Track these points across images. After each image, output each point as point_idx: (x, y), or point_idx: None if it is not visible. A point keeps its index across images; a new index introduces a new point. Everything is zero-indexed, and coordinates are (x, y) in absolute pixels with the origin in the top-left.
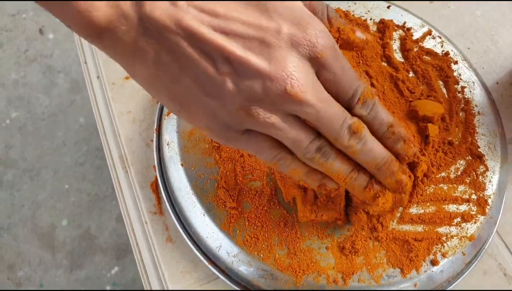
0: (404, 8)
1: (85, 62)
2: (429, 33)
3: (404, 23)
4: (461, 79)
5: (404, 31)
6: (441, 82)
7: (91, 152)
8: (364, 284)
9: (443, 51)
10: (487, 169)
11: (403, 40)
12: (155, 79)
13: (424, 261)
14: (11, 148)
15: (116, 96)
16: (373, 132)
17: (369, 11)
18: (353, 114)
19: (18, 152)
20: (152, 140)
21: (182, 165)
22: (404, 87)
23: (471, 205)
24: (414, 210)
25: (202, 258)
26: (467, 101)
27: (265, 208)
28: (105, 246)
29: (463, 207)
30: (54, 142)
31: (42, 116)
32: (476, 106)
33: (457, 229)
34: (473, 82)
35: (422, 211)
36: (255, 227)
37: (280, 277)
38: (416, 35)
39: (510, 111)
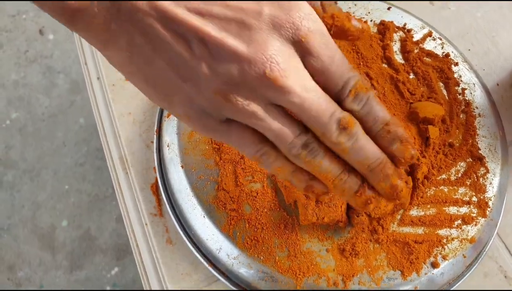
0: (404, 10)
1: (85, 64)
2: (429, 34)
3: (405, 24)
4: (461, 81)
5: (404, 32)
6: (441, 84)
7: (91, 152)
8: (365, 287)
9: (443, 52)
10: (487, 171)
11: (403, 41)
12: (129, 63)
13: (424, 263)
14: (11, 149)
15: (117, 98)
16: (367, 131)
17: (369, 12)
18: (344, 108)
19: (18, 152)
20: (152, 142)
21: (182, 166)
22: (405, 89)
23: (471, 207)
24: (414, 212)
25: (202, 260)
26: (468, 103)
27: (266, 210)
28: (105, 246)
29: (464, 209)
30: (54, 143)
31: (42, 117)
32: (477, 108)
33: (457, 231)
34: (474, 84)
35: (422, 213)
36: (255, 229)
37: (280, 279)
38: (417, 37)
39: (511, 113)
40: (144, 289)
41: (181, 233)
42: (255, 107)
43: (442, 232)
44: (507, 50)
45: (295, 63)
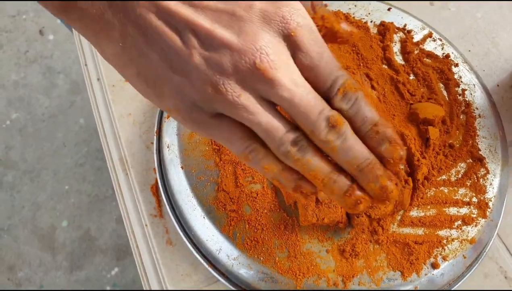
0: (404, 11)
1: (86, 64)
2: (429, 35)
3: (405, 25)
4: (461, 81)
5: (404, 33)
6: (441, 85)
7: (91, 153)
8: (365, 287)
9: (443, 53)
10: (487, 172)
11: (403, 42)
12: (122, 54)
13: (424, 264)
14: (11, 149)
15: (117, 99)
16: (355, 131)
17: (369, 13)
18: (332, 107)
19: (18, 153)
20: (152, 143)
21: (182, 167)
22: (405, 89)
23: (472, 208)
24: (414, 213)
25: (202, 261)
26: (468, 104)
27: (265, 211)
28: (105, 247)
29: (464, 210)
30: (54, 144)
31: (42, 117)
32: (477, 109)
33: (457, 232)
34: (474, 85)
35: (422, 214)
36: (255, 230)
37: (280, 280)
38: (417, 38)
39: (511, 114)
40: (144, 289)
41: (181, 234)
42: (246, 100)
43: (442, 232)
44: (507, 51)
45: (285, 58)
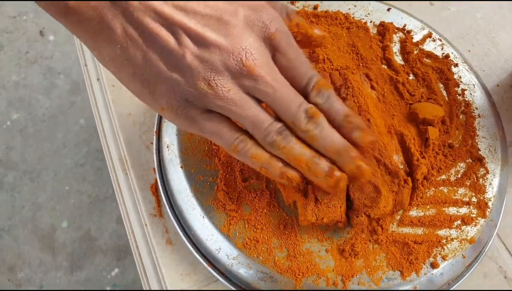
0: (404, 11)
1: (85, 65)
2: (429, 35)
3: (404, 25)
4: (461, 82)
5: (404, 33)
6: (441, 85)
7: (91, 153)
8: (364, 287)
9: (443, 53)
10: (487, 172)
11: (403, 42)
12: (120, 55)
13: (424, 263)
14: (11, 150)
15: (116, 99)
16: (330, 122)
17: (369, 13)
18: (309, 102)
19: (19, 153)
20: (152, 143)
21: (181, 167)
22: (404, 90)
23: (471, 207)
24: (414, 212)
25: (201, 261)
26: (468, 104)
27: (265, 211)
28: (105, 247)
29: (463, 210)
30: (54, 144)
31: (42, 118)
32: (477, 109)
33: (457, 231)
34: (474, 85)
35: (422, 214)
36: (255, 230)
37: (280, 279)
38: (416, 38)
39: (511, 114)
40: (144, 289)
41: (181, 233)
42: (234, 95)
43: (442, 232)
44: (507, 51)
45: (266, 58)
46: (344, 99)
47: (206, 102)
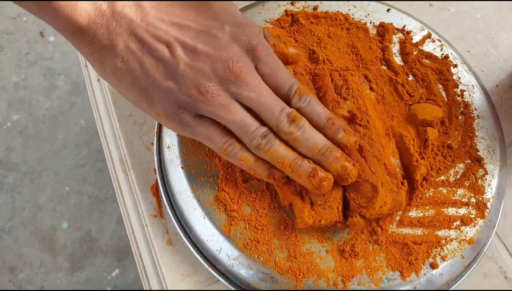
0: (403, 11)
1: (86, 66)
2: (428, 36)
3: (404, 26)
4: (460, 82)
5: (403, 34)
6: (440, 86)
7: (91, 154)
8: (364, 287)
9: (442, 54)
10: (486, 172)
11: (402, 43)
12: (120, 67)
13: (423, 264)
14: (12, 151)
15: (117, 100)
16: (314, 125)
17: (368, 14)
18: (291, 107)
19: (19, 154)
20: (152, 143)
21: (182, 168)
22: (404, 90)
23: (470, 208)
24: (413, 213)
25: (202, 261)
26: (467, 105)
27: (265, 211)
28: (105, 248)
29: (462, 210)
30: (54, 145)
31: (43, 118)
32: (476, 109)
33: (456, 232)
34: (473, 86)
35: (421, 215)
36: (255, 230)
37: (280, 280)
38: (416, 39)
39: (510, 115)
40: (145, 290)
41: (181, 234)
42: (223, 100)
43: (441, 233)
44: (506, 51)
45: (250, 67)
46: (345, 99)
47: (198, 108)
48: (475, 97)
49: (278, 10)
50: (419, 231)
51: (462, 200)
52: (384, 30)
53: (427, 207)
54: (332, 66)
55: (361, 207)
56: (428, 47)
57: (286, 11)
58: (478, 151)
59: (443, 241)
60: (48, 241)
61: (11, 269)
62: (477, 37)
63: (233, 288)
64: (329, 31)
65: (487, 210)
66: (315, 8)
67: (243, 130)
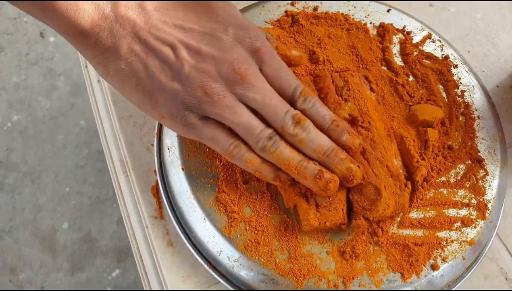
0: (404, 12)
1: (86, 66)
2: (429, 36)
3: (404, 27)
4: (461, 83)
5: (404, 35)
6: (441, 86)
7: (92, 154)
8: (365, 289)
9: (443, 55)
10: (487, 173)
11: (403, 44)
12: (124, 69)
13: (424, 265)
14: (12, 151)
15: (117, 100)
16: (319, 127)
17: (369, 14)
18: (296, 108)
19: (19, 155)
20: (152, 145)
21: (182, 169)
22: (404, 91)
23: (471, 209)
24: (414, 214)
25: (202, 263)
26: (467, 105)
27: (266, 213)
28: (106, 249)
29: (463, 212)
30: (55, 146)
31: (43, 119)
32: (476, 110)
33: (457, 233)
34: (473, 86)
35: (422, 216)
36: (256, 232)
37: (281, 281)
38: (416, 39)
39: (511, 115)
40: (145, 290)
41: (182, 235)
42: (228, 102)
43: (442, 234)
44: (507, 51)
45: (255, 69)
46: (346, 100)
47: (203, 109)
48: (475, 98)
49: (278, 10)
50: (419, 232)
51: (463, 201)
52: (384, 30)
53: (428, 208)
54: (332, 67)
55: (364, 210)
56: (428, 47)
57: (286, 11)
58: (479, 152)
59: (444, 242)
60: (49, 241)
61: (12, 269)
62: (477, 38)
63: (233, 290)
64: (329, 31)
65: (488, 211)
66: (315, 9)
67: (249, 132)
